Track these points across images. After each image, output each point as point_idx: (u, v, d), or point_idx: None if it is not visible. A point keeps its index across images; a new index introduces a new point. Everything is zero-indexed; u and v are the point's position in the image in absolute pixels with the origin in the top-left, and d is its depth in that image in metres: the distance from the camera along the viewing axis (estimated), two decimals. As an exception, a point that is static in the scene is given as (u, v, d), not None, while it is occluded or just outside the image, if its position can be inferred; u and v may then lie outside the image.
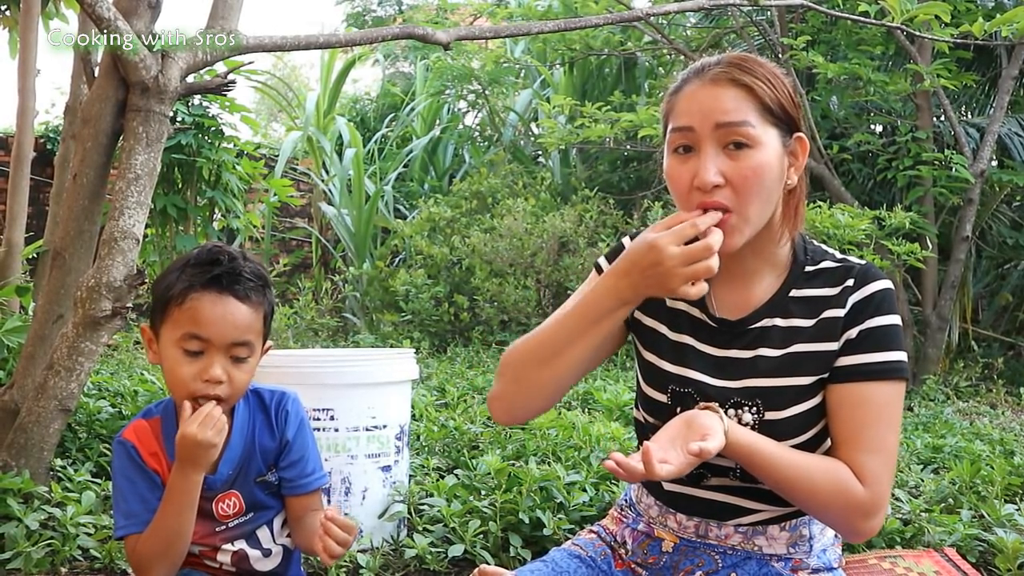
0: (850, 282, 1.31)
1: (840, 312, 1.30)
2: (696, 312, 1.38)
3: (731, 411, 1.31)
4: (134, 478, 1.44)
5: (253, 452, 1.49)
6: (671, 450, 1.19)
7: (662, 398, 1.37)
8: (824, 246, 1.40)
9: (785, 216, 1.33)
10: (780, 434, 1.29)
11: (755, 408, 1.30)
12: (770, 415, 1.30)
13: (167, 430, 1.46)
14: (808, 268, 1.35)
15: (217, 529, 1.49)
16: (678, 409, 1.34)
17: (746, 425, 1.30)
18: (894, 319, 1.29)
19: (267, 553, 1.53)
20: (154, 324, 1.43)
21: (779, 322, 1.33)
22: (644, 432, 1.44)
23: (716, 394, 1.32)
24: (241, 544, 1.52)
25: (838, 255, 1.37)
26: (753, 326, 1.34)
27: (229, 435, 1.46)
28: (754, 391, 1.31)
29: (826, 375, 1.30)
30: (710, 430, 1.20)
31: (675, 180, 1.28)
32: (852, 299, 1.30)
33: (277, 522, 1.55)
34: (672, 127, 1.30)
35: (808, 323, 1.31)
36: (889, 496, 1.30)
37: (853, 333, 1.29)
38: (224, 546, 1.51)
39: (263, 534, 1.53)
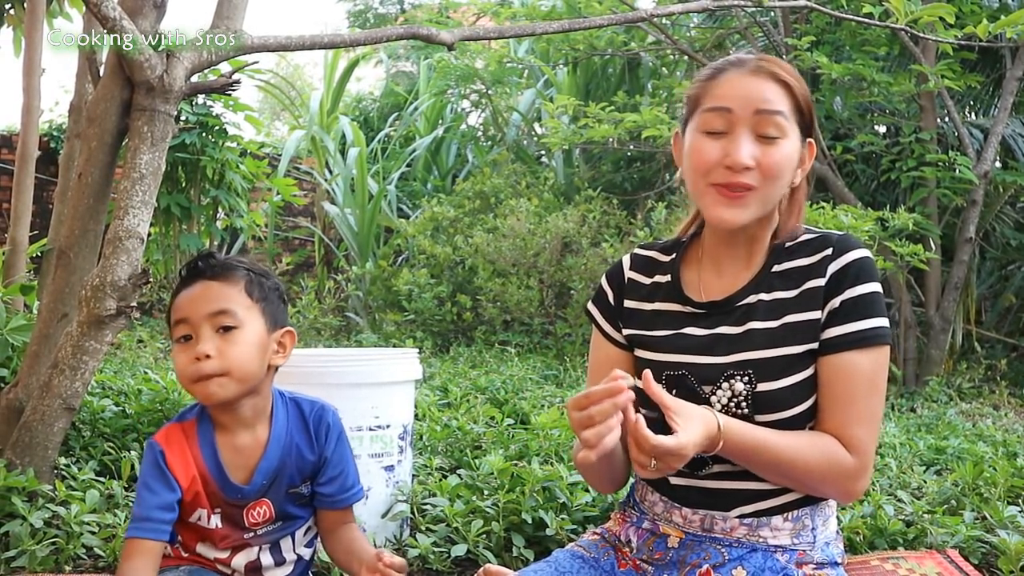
0: (828, 251, 1.36)
1: (820, 281, 1.34)
2: (677, 307, 1.43)
3: (724, 383, 1.35)
4: (152, 484, 1.42)
5: (289, 463, 1.49)
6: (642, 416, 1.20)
7: None
8: (803, 226, 1.46)
9: (789, 213, 1.40)
10: (772, 405, 1.33)
11: (747, 378, 1.34)
12: (762, 386, 1.33)
13: (202, 434, 1.46)
14: (788, 244, 1.40)
15: (245, 536, 1.49)
16: (674, 391, 1.37)
17: (738, 395, 1.34)
18: (874, 287, 1.34)
19: (281, 562, 1.53)
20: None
21: (764, 296, 1.38)
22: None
23: (710, 371, 1.36)
24: (265, 552, 1.51)
25: (816, 229, 1.42)
26: (740, 303, 1.38)
27: (267, 445, 1.47)
28: (746, 363, 1.34)
29: (815, 345, 1.34)
30: (686, 423, 1.21)
31: (702, 155, 1.34)
32: (831, 268, 1.34)
33: (300, 532, 1.54)
34: (708, 107, 1.35)
35: (791, 293, 1.36)
36: (874, 454, 1.37)
37: (836, 303, 1.33)
38: (246, 549, 1.50)
39: (285, 544, 1.53)
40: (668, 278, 1.47)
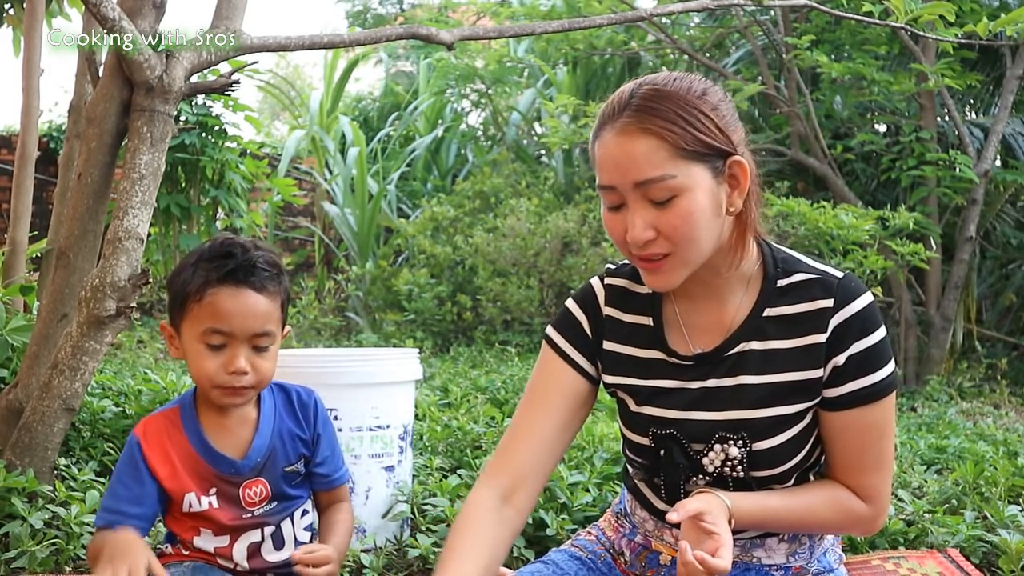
0: (828, 303, 1.25)
1: (821, 337, 1.24)
2: (663, 356, 1.33)
3: (717, 446, 1.28)
4: (123, 478, 1.43)
5: (281, 441, 1.50)
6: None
7: (644, 441, 1.34)
8: (794, 252, 1.33)
9: (735, 243, 1.27)
10: (768, 462, 1.27)
11: (741, 441, 1.27)
12: (758, 445, 1.26)
13: (185, 418, 1.46)
14: (780, 282, 1.29)
15: (243, 516, 1.48)
16: (661, 451, 1.31)
17: (733, 459, 1.27)
18: (879, 334, 1.25)
19: (281, 546, 1.52)
20: (174, 320, 1.44)
21: (755, 345, 1.28)
22: (634, 469, 1.42)
23: (700, 429, 1.29)
24: (267, 537, 1.51)
25: (812, 264, 1.30)
26: (729, 353, 1.29)
27: (258, 423, 1.48)
28: (739, 424, 1.27)
29: (814, 402, 1.27)
30: (720, 542, 1.16)
31: (611, 232, 1.26)
32: (833, 322, 1.24)
33: (297, 514, 1.55)
34: (598, 183, 1.25)
35: (786, 345, 1.27)
36: (890, 496, 1.32)
37: (840, 360, 1.24)
38: (245, 533, 1.49)
39: (286, 526, 1.53)
40: (649, 321, 1.35)
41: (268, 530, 1.50)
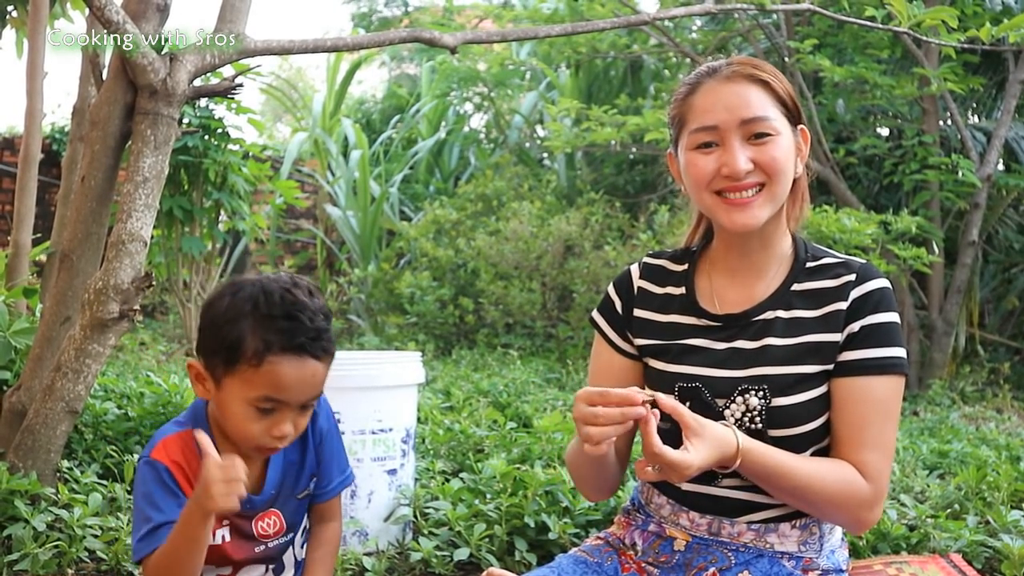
0: (851, 277, 1.36)
1: (843, 305, 1.35)
2: (692, 320, 1.43)
3: (739, 397, 1.34)
4: (161, 504, 1.31)
5: (293, 470, 1.44)
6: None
7: None
8: (824, 248, 1.45)
9: (792, 203, 1.42)
10: (786, 421, 1.33)
11: (762, 392, 1.33)
12: (777, 401, 1.33)
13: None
14: (809, 264, 1.40)
15: (256, 549, 1.42)
16: (687, 404, 1.36)
17: (752, 409, 1.33)
18: (894, 316, 1.35)
19: (280, 572, 1.47)
20: (213, 369, 1.32)
21: (782, 314, 1.37)
22: None
23: (724, 385, 1.36)
24: (270, 568, 1.45)
25: (837, 254, 1.42)
26: (757, 318, 1.38)
27: (269, 457, 1.41)
28: (761, 378, 1.34)
29: (830, 367, 1.34)
30: (698, 436, 1.22)
31: (698, 171, 1.36)
32: (854, 293, 1.35)
33: (298, 539, 1.49)
34: (695, 127, 1.36)
35: (811, 313, 1.36)
36: (888, 485, 1.36)
37: (855, 327, 1.33)
38: (248, 567, 1.43)
39: (287, 556, 1.47)
40: (682, 291, 1.46)
41: (271, 564, 1.45)
